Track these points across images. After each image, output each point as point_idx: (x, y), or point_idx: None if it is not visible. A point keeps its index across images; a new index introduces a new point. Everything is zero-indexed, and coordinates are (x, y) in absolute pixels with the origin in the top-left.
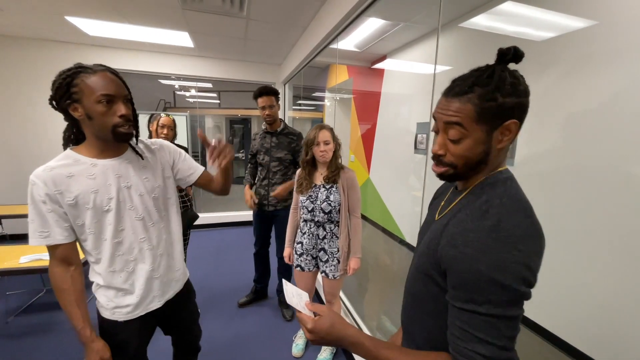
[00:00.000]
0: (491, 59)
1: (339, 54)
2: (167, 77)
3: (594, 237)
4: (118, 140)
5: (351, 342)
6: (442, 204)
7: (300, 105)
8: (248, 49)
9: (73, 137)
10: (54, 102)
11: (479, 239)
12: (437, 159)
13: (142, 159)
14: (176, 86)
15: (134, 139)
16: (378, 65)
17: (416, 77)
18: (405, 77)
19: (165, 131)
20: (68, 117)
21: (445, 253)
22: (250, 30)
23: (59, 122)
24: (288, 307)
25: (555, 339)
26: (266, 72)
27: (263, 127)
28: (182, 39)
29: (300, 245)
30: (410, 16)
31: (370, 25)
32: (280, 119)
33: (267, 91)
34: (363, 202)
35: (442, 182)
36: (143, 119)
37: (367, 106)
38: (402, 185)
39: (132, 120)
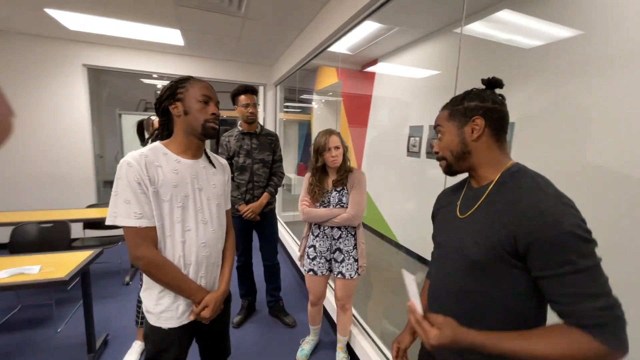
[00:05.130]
0: (484, 65)
1: (330, 57)
2: (149, 76)
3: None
4: (206, 134)
5: (475, 346)
6: (459, 203)
7: (287, 107)
8: (241, 48)
9: (162, 135)
10: (159, 102)
11: (553, 206)
12: (436, 154)
13: (214, 167)
14: (159, 85)
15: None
16: (369, 69)
17: (409, 81)
18: (397, 81)
19: None
20: (164, 116)
21: (527, 228)
22: (245, 30)
23: (35, 123)
24: (287, 314)
25: None
26: (257, 73)
27: (239, 127)
28: (172, 36)
29: (312, 248)
30: (405, 21)
31: (365, 29)
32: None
33: (252, 89)
34: None
35: (437, 190)
36: (127, 120)
37: (358, 109)
38: (395, 189)
39: (218, 121)
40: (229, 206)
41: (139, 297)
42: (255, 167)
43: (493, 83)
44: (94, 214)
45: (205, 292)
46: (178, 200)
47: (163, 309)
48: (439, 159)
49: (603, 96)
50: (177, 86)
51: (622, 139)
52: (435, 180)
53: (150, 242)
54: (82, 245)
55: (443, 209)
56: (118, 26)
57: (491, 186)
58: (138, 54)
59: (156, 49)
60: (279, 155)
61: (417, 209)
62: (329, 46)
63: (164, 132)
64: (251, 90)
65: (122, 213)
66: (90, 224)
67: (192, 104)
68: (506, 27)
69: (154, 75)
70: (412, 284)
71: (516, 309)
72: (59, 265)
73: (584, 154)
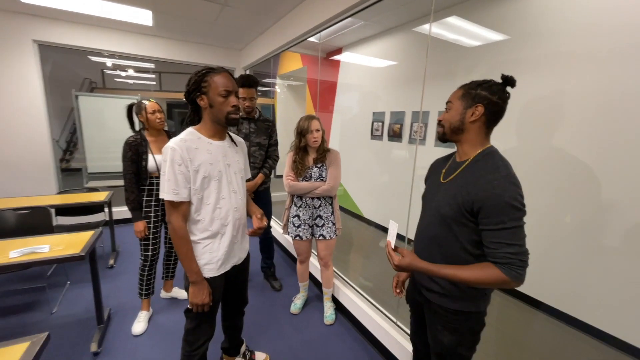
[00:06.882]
0: (434, 59)
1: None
2: (98, 53)
3: None
4: (229, 123)
5: (423, 270)
6: (444, 171)
7: None
8: (212, 32)
9: (194, 120)
10: (188, 93)
11: (501, 183)
12: (439, 122)
13: (237, 145)
14: (108, 64)
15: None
16: (335, 57)
17: (371, 70)
18: (361, 70)
19: (159, 115)
20: (192, 105)
21: (481, 196)
22: (223, 16)
23: None
24: (276, 279)
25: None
26: (226, 56)
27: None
28: (140, 16)
29: (297, 217)
30: (370, 16)
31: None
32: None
33: (250, 83)
34: None
35: (398, 169)
36: (85, 102)
37: (323, 94)
38: (360, 169)
39: (239, 110)
40: (250, 175)
41: (140, 272)
42: (252, 150)
43: (508, 81)
44: (68, 199)
45: (201, 278)
46: (214, 175)
47: (205, 262)
48: (439, 126)
49: (523, 91)
50: (201, 80)
51: (536, 128)
52: (396, 160)
53: (179, 214)
54: (65, 230)
55: (433, 175)
56: (77, 0)
57: (467, 162)
58: (96, 32)
59: (118, 27)
60: (274, 140)
61: (379, 186)
62: (308, 37)
63: (195, 118)
64: (248, 84)
65: (165, 189)
66: (63, 210)
67: (215, 98)
68: (453, 29)
69: (105, 54)
70: (394, 230)
71: (470, 250)
72: (66, 244)
73: (506, 142)
